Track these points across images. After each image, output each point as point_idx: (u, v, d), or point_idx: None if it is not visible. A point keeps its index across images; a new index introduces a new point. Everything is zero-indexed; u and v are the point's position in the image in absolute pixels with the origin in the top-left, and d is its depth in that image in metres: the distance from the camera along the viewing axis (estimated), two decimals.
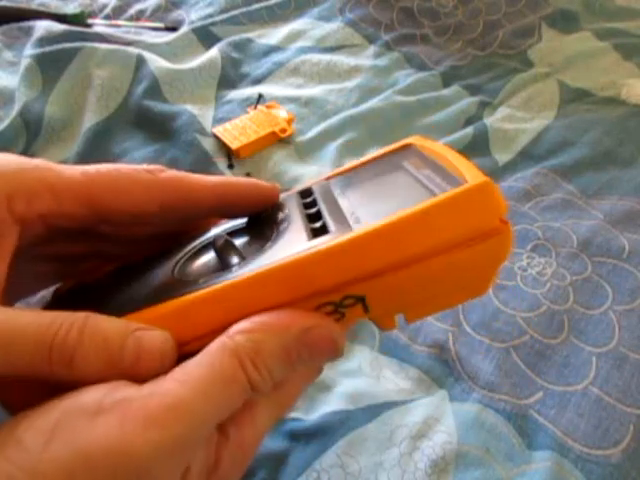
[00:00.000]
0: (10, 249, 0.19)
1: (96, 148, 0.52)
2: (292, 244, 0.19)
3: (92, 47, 0.58)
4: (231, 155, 0.50)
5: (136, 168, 0.21)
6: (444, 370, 0.35)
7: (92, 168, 0.20)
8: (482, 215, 0.17)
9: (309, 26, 0.68)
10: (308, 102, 0.57)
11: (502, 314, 0.38)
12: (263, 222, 0.23)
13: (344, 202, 0.21)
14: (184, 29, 0.67)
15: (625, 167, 0.49)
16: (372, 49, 0.65)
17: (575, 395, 0.33)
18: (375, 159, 0.25)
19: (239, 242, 0.22)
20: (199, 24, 0.67)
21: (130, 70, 0.57)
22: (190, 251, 0.23)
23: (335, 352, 0.19)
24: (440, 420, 0.32)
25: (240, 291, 0.18)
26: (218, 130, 0.52)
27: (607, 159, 0.50)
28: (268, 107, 0.55)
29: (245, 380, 0.17)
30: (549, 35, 0.66)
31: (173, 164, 0.50)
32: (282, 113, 0.54)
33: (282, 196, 0.25)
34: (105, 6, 0.75)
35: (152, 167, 0.21)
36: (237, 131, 0.52)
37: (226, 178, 0.23)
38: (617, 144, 0.51)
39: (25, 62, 0.56)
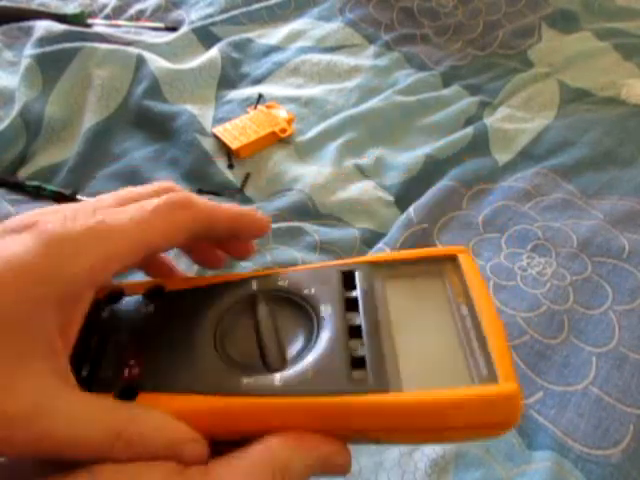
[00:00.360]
0: (85, 312, 0.21)
1: (96, 148, 0.52)
2: (332, 370, 0.21)
3: (92, 47, 0.58)
4: (231, 155, 0.51)
5: (172, 202, 0.22)
6: None
7: (138, 211, 0.21)
8: (504, 418, 0.20)
9: (309, 26, 0.68)
10: (308, 102, 0.57)
11: (502, 314, 0.38)
12: (303, 306, 0.24)
13: (384, 325, 0.22)
14: (184, 29, 0.67)
15: (625, 167, 0.49)
16: (372, 49, 0.65)
17: (575, 395, 0.33)
18: (422, 260, 0.25)
19: (279, 330, 0.23)
20: (199, 24, 0.67)
21: (130, 70, 0.58)
22: (231, 314, 0.24)
23: (344, 474, 0.21)
24: None
25: (281, 410, 0.20)
26: (218, 130, 0.52)
27: (607, 159, 0.50)
28: (268, 107, 0.55)
29: None
30: (549, 35, 0.66)
31: (173, 164, 0.50)
32: (282, 113, 0.54)
33: (323, 271, 0.25)
34: (105, 6, 0.75)
35: (182, 196, 0.23)
36: (237, 131, 0.52)
37: (234, 208, 0.25)
38: (617, 144, 0.51)
39: (25, 62, 0.56)
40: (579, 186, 0.47)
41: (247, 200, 0.48)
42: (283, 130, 0.52)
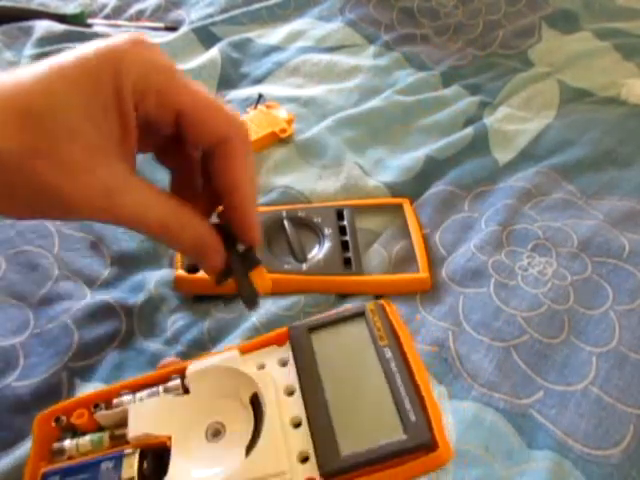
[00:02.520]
0: (135, 125, 0.23)
1: None
2: (332, 262, 0.35)
3: None
4: None
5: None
6: (443, 367, 0.35)
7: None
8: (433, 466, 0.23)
9: (309, 26, 0.68)
10: (308, 102, 0.57)
11: (502, 313, 0.38)
12: (314, 228, 0.38)
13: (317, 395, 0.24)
14: (184, 29, 0.67)
15: (625, 167, 0.49)
16: (372, 49, 0.65)
17: (575, 395, 0.33)
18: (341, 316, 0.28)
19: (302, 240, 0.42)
20: (199, 24, 0.67)
21: None
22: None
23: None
24: None
25: (305, 282, 0.40)
26: None
27: (607, 159, 0.50)
28: (268, 107, 0.55)
29: None
30: (549, 35, 0.66)
31: None
32: (282, 113, 0.54)
33: (324, 208, 0.37)
34: (105, 6, 0.75)
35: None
36: None
37: (193, 100, 0.25)
38: (617, 144, 0.51)
39: (25, 62, 0.56)
40: (579, 186, 0.47)
41: None
42: (283, 130, 0.52)
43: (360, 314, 0.27)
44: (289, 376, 0.25)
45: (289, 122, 0.53)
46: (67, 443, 0.24)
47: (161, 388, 0.25)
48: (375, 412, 0.23)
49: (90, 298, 0.38)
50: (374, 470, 0.22)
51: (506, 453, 0.31)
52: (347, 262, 0.40)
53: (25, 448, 0.30)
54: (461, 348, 0.36)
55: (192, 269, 0.38)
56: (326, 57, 0.63)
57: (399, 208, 0.45)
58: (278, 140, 0.52)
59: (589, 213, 0.45)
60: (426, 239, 0.43)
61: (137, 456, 0.23)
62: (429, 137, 0.54)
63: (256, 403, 0.24)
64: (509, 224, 0.44)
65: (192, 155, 0.27)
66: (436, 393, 0.34)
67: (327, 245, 0.41)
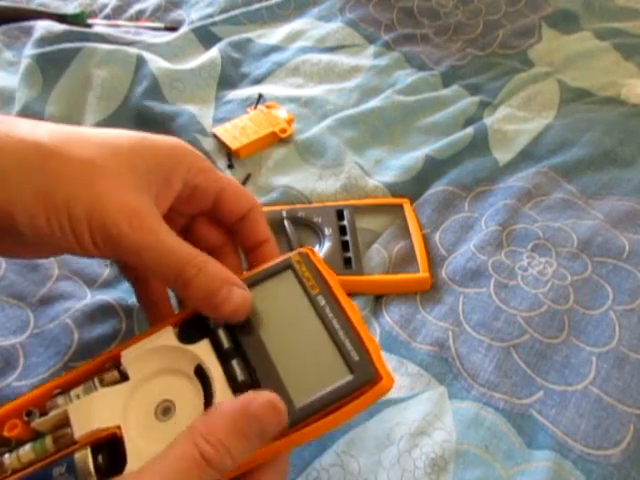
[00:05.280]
0: (174, 195, 0.28)
1: None
2: (334, 261, 0.35)
3: (92, 47, 0.58)
4: (231, 155, 0.50)
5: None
6: (444, 367, 0.35)
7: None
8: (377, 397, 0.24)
9: (309, 26, 0.68)
10: (308, 102, 0.57)
11: (502, 313, 0.38)
12: (314, 228, 0.37)
13: (259, 349, 0.25)
14: (184, 29, 0.67)
15: (625, 167, 0.49)
16: (372, 49, 0.65)
17: (575, 395, 0.33)
18: (270, 268, 0.29)
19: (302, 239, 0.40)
20: (199, 24, 0.67)
21: (130, 71, 0.57)
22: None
23: (279, 415, 0.22)
24: (439, 417, 0.32)
25: None
26: (218, 130, 0.52)
27: (607, 159, 0.50)
28: (268, 107, 0.55)
29: (198, 455, 0.20)
30: (549, 35, 0.66)
31: None
32: (282, 113, 0.54)
33: (324, 209, 0.38)
34: (105, 6, 0.75)
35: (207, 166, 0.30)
36: (237, 131, 0.52)
37: (230, 182, 0.31)
38: (617, 144, 0.51)
39: (25, 62, 0.56)
40: (579, 186, 0.47)
41: None
42: (283, 130, 0.52)
43: (287, 267, 0.28)
44: (227, 340, 0.25)
45: (289, 122, 0.53)
46: (6, 457, 0.23)
47: (97, 381, 0.24)
48: (320, 359, 0.25)
49: (90, 298, 0.38)
50: (329, 412, 0.23)
51: (506, 453, 0.31)
52: (347, 262, 0.40)
53: None
54: (461, 348, 0.36)
55: None
56: (326, 57, 0.63)
57: (399, 208, 0.45)
58: (278, 140, 0.52)
59: (589, 213, 0.45)
60: (426, 239, 0.43)
61: (89, 453, 0.22)
62: (429, 137, 0.54)
63: (201, 373, 0.24)
64: (509, 224, 0.44)
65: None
66: (436, 393, 0.34)
67: (327, 245, 0.41)
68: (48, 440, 0.23)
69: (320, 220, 0.43)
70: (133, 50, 0.59)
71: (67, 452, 0.22)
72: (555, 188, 0.47)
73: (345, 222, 0.43)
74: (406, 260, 0.41)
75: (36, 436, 0.24)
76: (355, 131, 0.53)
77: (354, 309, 0.26)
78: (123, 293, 0.39)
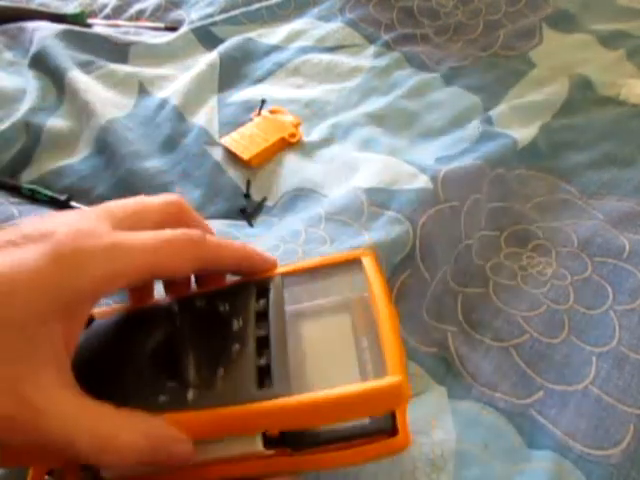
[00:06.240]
0: (84, 322, 0.23)
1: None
2: (239, 381, 0.23)
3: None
4: (249, 184, 0.49)
5: (184, 239, 0.24)
6: (443, 367, 0.35)
7: (150, 240, 0.23)
8: (389, 406, 0.23)
9: (309, 26, 0.68)
10: (309, 103, 0.57)
11: (502, 313, 0.38)
12: (217, 323, 0.26)
13: (291, 331, 0.25)
14: (184, 29, 0.67)
15: (625, 167, 0.49)
16: (372, 49, 0.65)
17: (575, 395, 0.33)
18: (328, 266, 0.28)
19: (196, 348, 0.25)
20: (199, 24, 0.67)
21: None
22: (153, 336, 0.26)
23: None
24: (438, 417, 0.32)
25: (193, 423, 0.22)
26: (226, 141, 0.51)
27: (607, 159, 0.50)
28: (272, 112, 0.55)
29: None
30: (550, 36, 0.66)
31: (185, 177, 0.50)
32: (288, 118, 0.54)
33: (238, 287, 0.28)
34: (105, 6, 0.75)
35: (195, 236, 0.24)
36: (246, 140, 0.51)
37: (242, 249, 0.27)
38: (617, 144, 0.51)
39: (25, 63, 0.56)
40: (579, 186, 0.47)
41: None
42: (292, 135, 0.52)
43: (346, 269, 0.27)
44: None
45: (296, 126, 0.53)
46: None
47: None
48: (338, 360, 0.24)
49: None
50: (334, 448, 0.23)
51: (506, 453, 0.31)
52: (263, 374, 0.23)
53: None
54: (461, 348, 0.36)
55: None
56: (326, 57, 0.63)
57: (355, 266, 0.28)
58: (287, 145, 0.52)
59: (589, 213, 0.45)
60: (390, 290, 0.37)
61: None
62: (429, 137, 0.54)
63: None
64: (509, 225, 0.43)
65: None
66: (436, 394, 0.34)
67: (233, 349, 0.25)
68: None
69: (227, 307, 0.27)
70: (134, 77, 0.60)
71: None
72: (555, 188, 0.47)
73: (269, 304, 0.26)
74: (370, 355, 0.25)
75: None
76: (361, 132, 0.53)
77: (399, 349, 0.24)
78: (123, 293, 0.39)
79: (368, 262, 0.27)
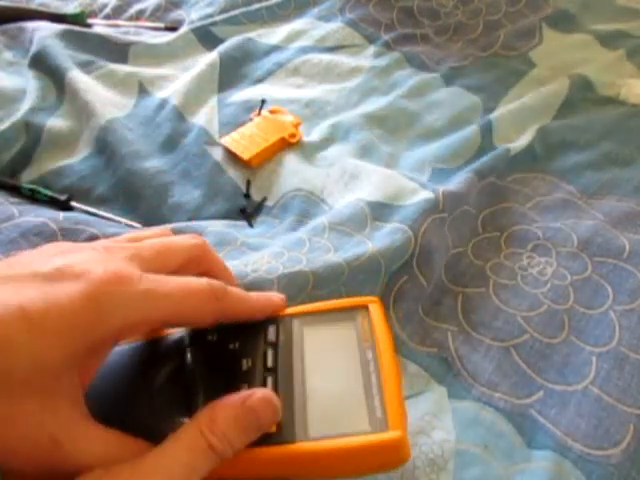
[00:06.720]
0: (105, 356, 0.24)
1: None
2: None
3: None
4: (250, 184, 0.49)
5: (208, 292, 0.25)
6: (443, 367, 0.35)
7: (177, 291, 0.23)
8: (391, 461, 0.24)
9: (309, 26, 0.68)
10: (309, 103, 0.57)
11: (502, 313, 0.38)
12: (228, 360, 0.27)
13: (297, 373, 0.26)
14: (184, 29, 0.67)
15: (625, 167, 0.49)
16: (372, 49, 0.65)
17: (575, 395, 0.33)
18: (338, 310, 0.29)
19: (205, 383, 0.26)
20: (199, 24, 0.67)
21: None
22: (164, 369, 0.27)
23: (274, 409, 0.23)
24: (438, 417, 0.32)
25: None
26: (226, 141, 0.51)
27: (607, 159, 0.50)
28: (272, 112, 0.55)
29: (205, 444, 0.22)
30: (550, 36, 0.66)
31: (185, 177, 0.50)
32: (288, 118, 0.54)
33: (249, 326, 0.28)
34: (105, 6, 0.75)
35: (218, 291, 0.25)
36: (246, 140, 0.51)
37: (260, 300, 0.28)
38: (617, 144, 0.51)
39: (25, 63, 0.56)
40: (579, 186, 0.47)
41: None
42: (292, 135, 0.52)
43: (352, 316, 0.28)
44: (272, 359, 0.26)
45: (296, 126, 0.53)
46: None
47: None
48: (346, 405, 0.24)
49: None
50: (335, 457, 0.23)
51: (506, 452, 0.31)
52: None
53: None
54: (461, 348, 0.36)
55: None
56: (326, 57, 0.63)
57: (362, 312, 0.28)
58: (287, 145, 0.52)
59: (589, 213, 0.45)
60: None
61: None
62: (430, 138, 0.53)
63: None
64: (509, 225, 0.44)
65: None
66: (436, 394, 0.34)
67: (242, 390, 0.25)
68: None
69: (237, 346, 0.27)
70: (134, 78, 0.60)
71: None
72: (555, 188, 0.47)
73: (277, 347, 0.27)
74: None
75: None
76: (362, 132, 0.53)
77: (396, 374, 0.26)
78: None
79: (375, 309, 0.28)
